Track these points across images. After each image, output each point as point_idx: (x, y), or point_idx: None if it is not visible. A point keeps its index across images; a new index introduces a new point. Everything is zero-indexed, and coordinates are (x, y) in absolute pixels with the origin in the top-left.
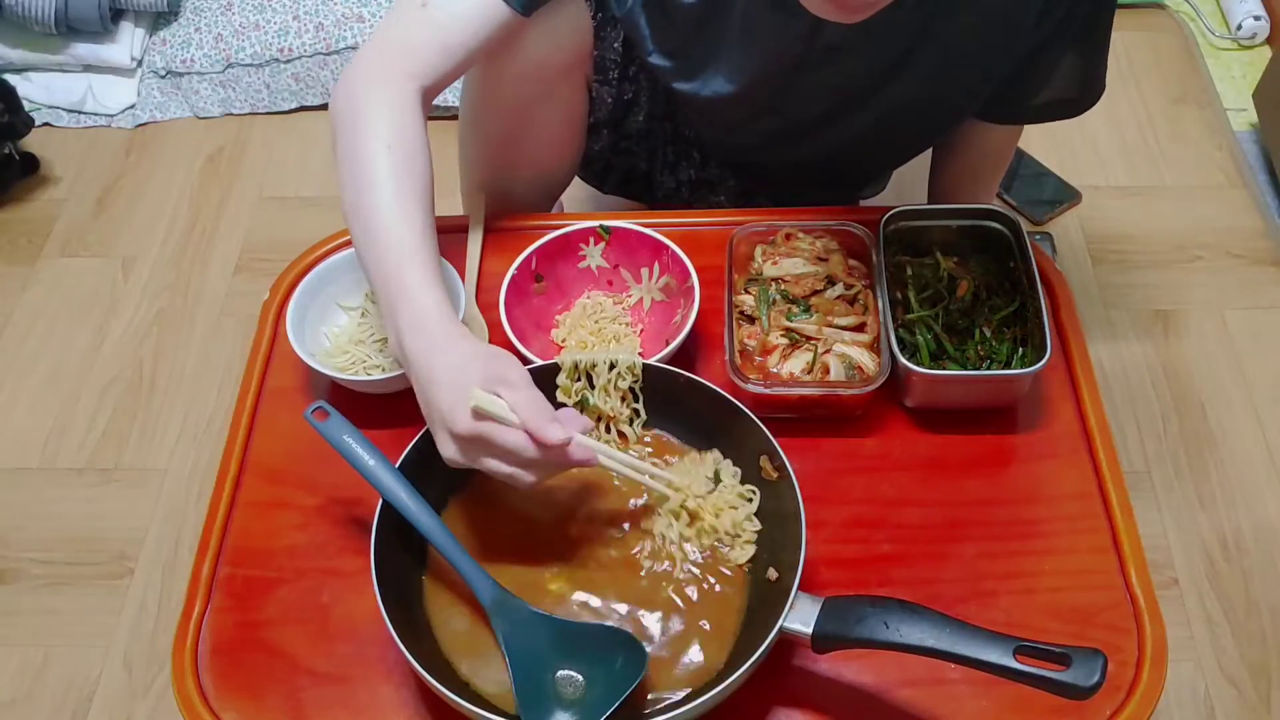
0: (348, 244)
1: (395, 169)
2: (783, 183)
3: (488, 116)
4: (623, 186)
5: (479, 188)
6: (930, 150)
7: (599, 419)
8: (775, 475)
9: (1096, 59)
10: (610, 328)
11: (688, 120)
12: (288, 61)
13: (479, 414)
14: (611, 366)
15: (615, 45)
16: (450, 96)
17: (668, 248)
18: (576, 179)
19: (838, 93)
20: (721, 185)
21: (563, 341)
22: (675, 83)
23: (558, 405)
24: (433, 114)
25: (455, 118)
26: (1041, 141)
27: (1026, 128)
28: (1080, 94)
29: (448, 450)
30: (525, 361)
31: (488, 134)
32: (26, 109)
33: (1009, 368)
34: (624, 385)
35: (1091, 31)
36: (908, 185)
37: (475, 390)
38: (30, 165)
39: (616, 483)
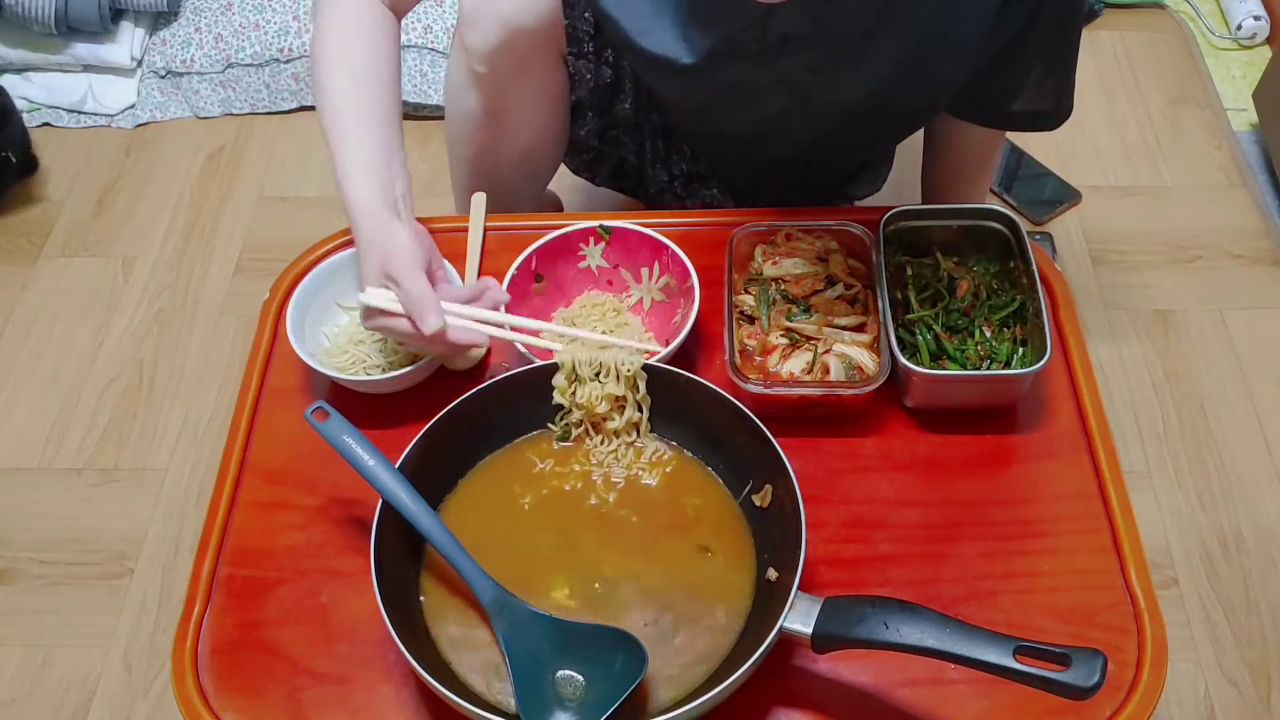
0: (348, 244)
1: (351, 75)
2: (769, 177)
3: (467, 95)
4: (615, 180)
5: (466, 173)
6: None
7: (601, 416)
8: (773, 483)
9: (1065, 74)
10: (613, 320)
11: (668, 112)
12: (288, 61)
13: (372, 310)
14: (604, 375)
15: (586, 15)
16: (435, 96)
17: (668, 248)
18: (569, 170)
19: (798, 86)
20: (714, 179)
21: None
22: (636, 38)
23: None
24: (421, 114)
25: (443, 118)
26: (1041, 141)
27: None
28: (1055, 107)
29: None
30: (526, 362)
31: (469, 114)
32: (26, 109)
33: (1009, 368)
34: (626, 376)
35: (1058, 45)
36: (907, 185)
37: (367, 289)
38: (29, 166)
39: (625, 473)
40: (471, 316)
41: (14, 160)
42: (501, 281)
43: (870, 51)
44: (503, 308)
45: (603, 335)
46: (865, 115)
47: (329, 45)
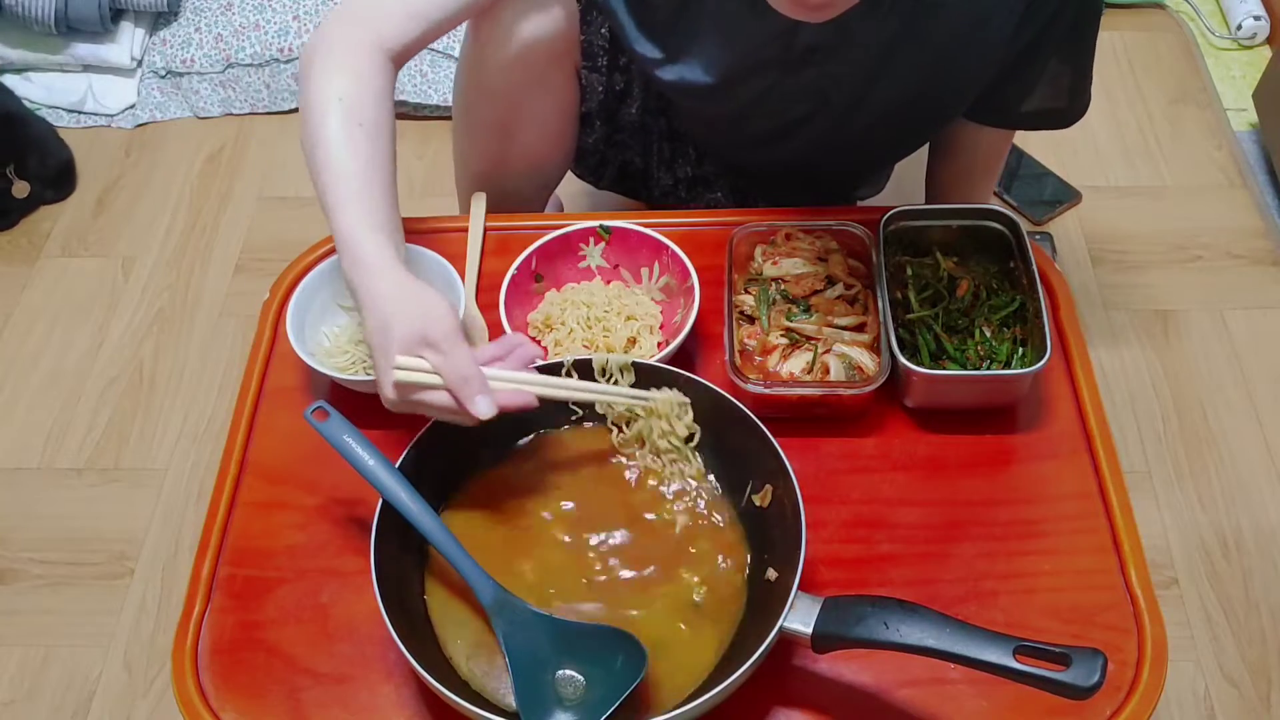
0: None
1: (347, 117)
2: (777, 181)
3: (480, 108)
4: (619, 182)
5: (474, 182)
6: (926, 150)
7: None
8: (774, 481)
9: (1082, 72)
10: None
11: (680, 117)
12: (288, 61)
13: (404, 384)
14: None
15: (602, 30)
16: (435, 96)
17: (667, 248)
18: (572, 174)
19: (823, 94)
20: (718, 183)
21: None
22: (657, 71)
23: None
24: (428, 114)
25: (450, 117)
26: (1041, 141)
27: None
28: (1069, 104)
29: (387, 404)
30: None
31: (480, 126)
32: (31, 107)
33: (1009, 368)
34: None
35: (1078, 43)
36: (908, 185)
37: (398, 360)
38: (61, 189)
39: (627, 474)
40: (506, 379)
41: (18, 197)
42: (501, 281)
43: (895, 60)
44: (536, 361)
45: (638, 392)
46: (887, 121)
47: (325, 91)
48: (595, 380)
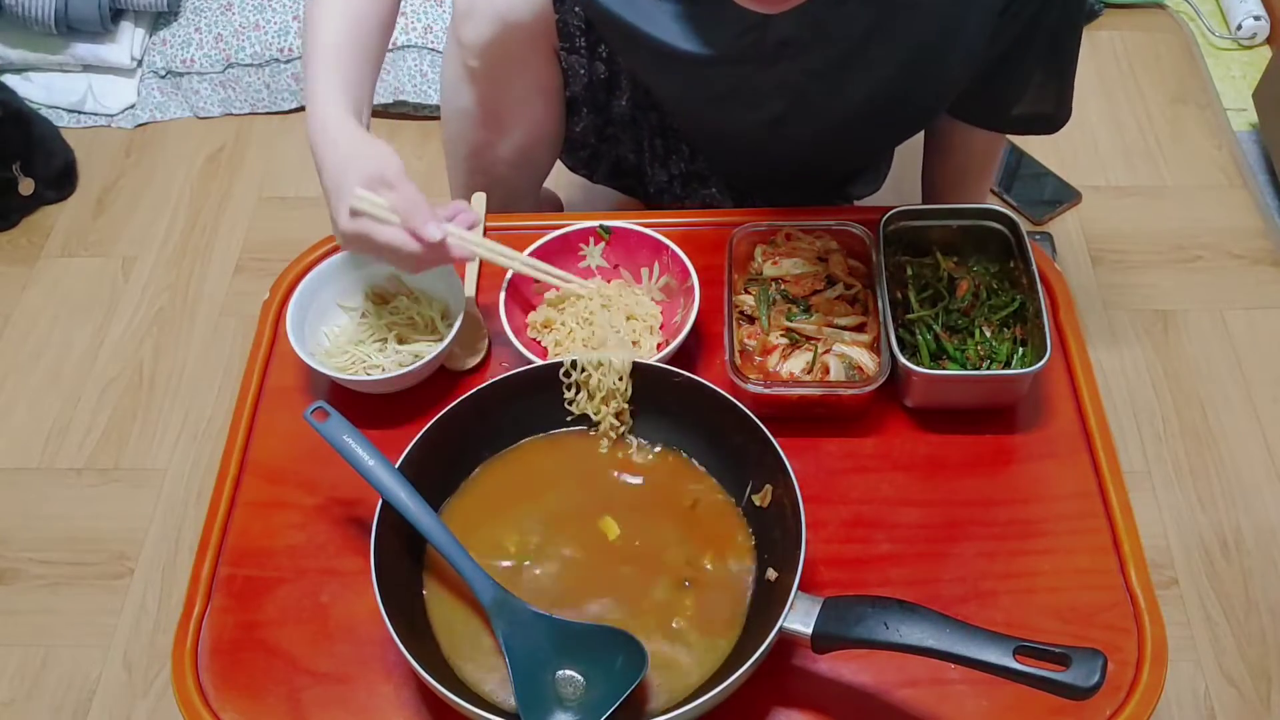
0: None
1: (332, 4)
2: (768, 178)
3: (463, 93)
4: (614, 178)
5: (464, 171)
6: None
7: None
8: (773, 481)
9: (1066, 78)
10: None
11: (666, 110)
12: (288, 61)
13: (358, 212)
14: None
15: (576, 9)
16: (434, 96)
17: (667, 247)
18: (566, 169)
19: (799, 89)
20: (713, 178)
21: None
22: (635, 34)
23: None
24: (421, 114)
25: (439, 118)
26: (1041, 141)
27: None
28: (1055, 110)
29: (340, 241)
30: (525, 362)
31: (465, 111)
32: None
33: (1009, 368)
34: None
35: (1060, 48)
36: (907, 185)
37: (356, 191)
38: (62, 188)
39: (626, 476)
40: (452, 231)
41: (25, 193)
42: (502, 281)
43: (869, 56)
44: (480, 229)
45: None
46: (865, 118)
47: None
48: (593, 380)
